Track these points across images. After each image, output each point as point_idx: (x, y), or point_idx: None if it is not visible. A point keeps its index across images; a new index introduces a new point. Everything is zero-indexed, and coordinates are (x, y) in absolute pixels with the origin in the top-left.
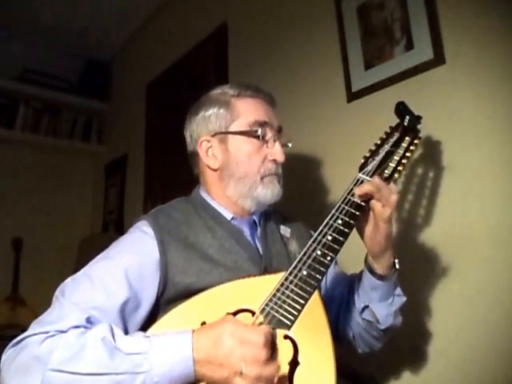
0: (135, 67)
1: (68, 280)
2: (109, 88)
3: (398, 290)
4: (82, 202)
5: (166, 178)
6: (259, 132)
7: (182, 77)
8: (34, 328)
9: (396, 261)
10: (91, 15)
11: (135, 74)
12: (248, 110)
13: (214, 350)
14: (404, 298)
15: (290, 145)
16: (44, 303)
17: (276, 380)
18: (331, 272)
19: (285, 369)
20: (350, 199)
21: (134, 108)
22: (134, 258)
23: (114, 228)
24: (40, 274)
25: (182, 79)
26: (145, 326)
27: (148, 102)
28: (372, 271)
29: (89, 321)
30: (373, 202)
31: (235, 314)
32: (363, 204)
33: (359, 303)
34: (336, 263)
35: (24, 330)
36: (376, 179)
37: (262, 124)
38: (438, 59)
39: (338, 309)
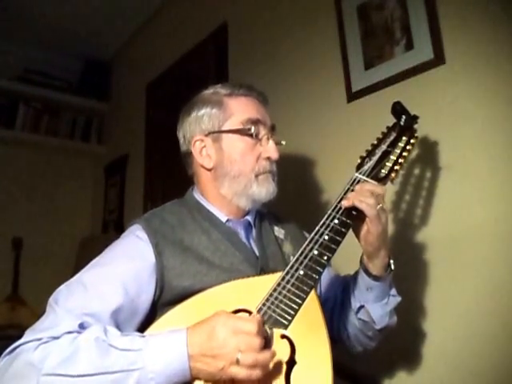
0: (135, 67)
1: (61, 287)
2: (109, 88)
3: (393, 291)
4: (82, 202)
5: (166, 178)
6: (252, 130)
7: (182, 77)
8: (27, 335)
9: (391, 262)
10: (91, 15)
11: (135, 74)
12: (241, 109)
13: (208, 343)
14: (399, 298)
15: (283, 143)
16: (44, 303)
17: (271, 366)
18: (324, 273)
19: (282, 368)
20: None
21: (134, 108)
22: (128, 263)
23: (114, 228)
24: (40, 274)
25: (182, 79)
26: (141, 330)
27: (148, 102)
28: (367, 271)
29: (82, 327)
30: (357, 205)
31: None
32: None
33: (355, 303)
34: (329, 264)
35: (24, 329)
36: (357, 186)
37: (255, 122)
38: (438, 59)
39: (332, 310)
